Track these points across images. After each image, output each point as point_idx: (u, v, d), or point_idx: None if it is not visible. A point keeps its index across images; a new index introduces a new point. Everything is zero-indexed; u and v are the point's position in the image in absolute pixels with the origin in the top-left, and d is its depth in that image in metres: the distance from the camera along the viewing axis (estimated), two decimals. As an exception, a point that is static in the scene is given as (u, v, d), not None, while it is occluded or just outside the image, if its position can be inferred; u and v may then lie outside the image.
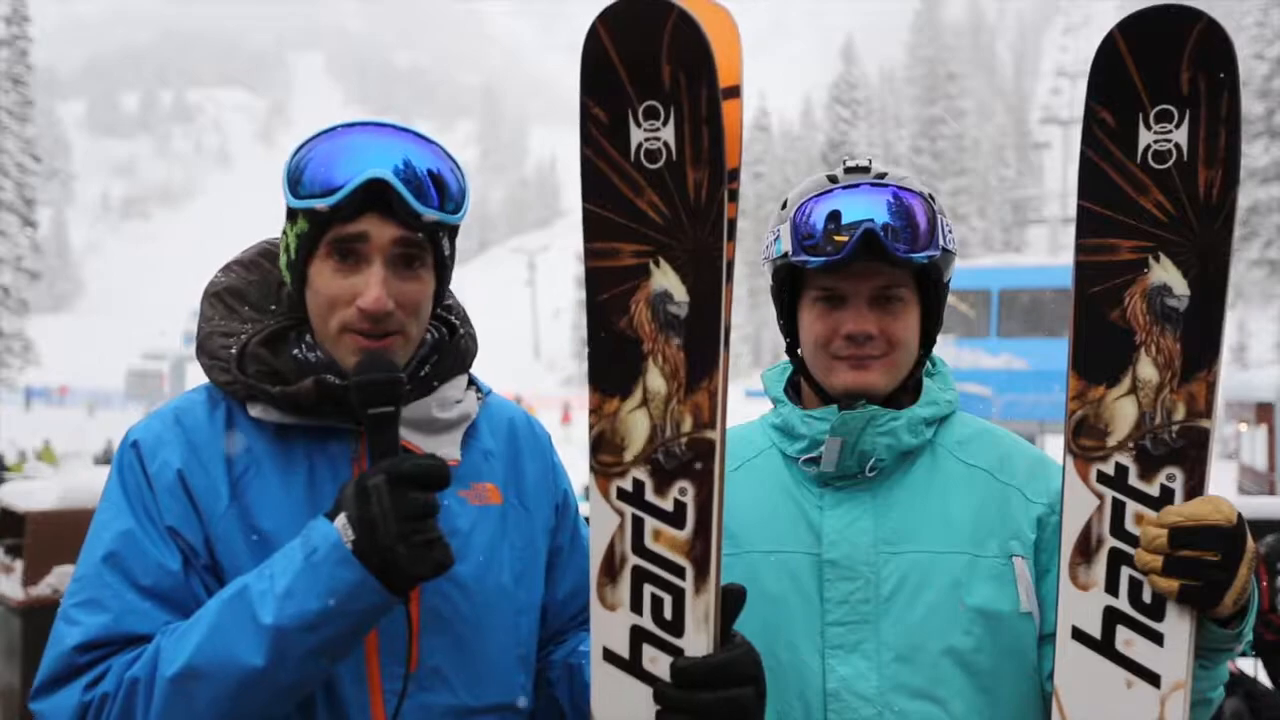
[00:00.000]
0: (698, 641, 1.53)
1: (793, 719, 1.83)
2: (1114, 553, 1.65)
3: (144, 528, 1.57)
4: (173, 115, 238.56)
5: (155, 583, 1.54)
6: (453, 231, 1.67)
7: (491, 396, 1.85)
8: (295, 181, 1.59)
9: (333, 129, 1.62)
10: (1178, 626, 1.62)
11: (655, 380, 1.54)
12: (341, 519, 1.46)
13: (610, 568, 1.57)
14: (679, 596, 1.54)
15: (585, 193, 1.54)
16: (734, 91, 1.54)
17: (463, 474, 1.70)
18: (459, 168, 1.66)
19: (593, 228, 1.54)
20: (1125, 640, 1.64)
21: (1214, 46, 1.56)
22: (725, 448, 1.56)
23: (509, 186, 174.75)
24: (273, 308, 1.72)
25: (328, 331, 1.62)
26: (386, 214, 1.57)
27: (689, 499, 1.54)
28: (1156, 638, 1.63)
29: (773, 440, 1.98)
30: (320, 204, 1.56)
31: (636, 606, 1.56)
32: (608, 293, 1.55)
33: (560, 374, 79.61)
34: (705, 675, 1.49)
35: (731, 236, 1.52)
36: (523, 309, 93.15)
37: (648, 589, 1.55)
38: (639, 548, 1.56)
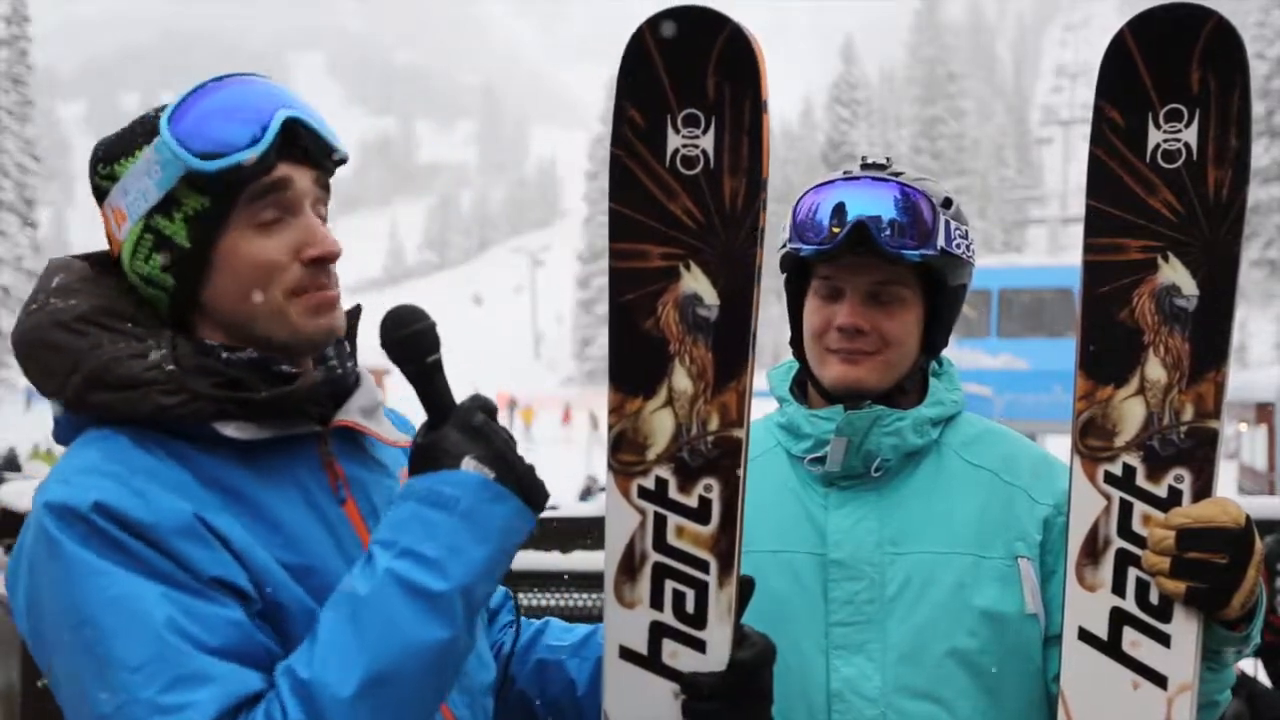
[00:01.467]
0: (720, 633, 1.57)
1: (796, 719, 1.82)
2: (1121, 554, 1.64)
3: (177, 589, 1.28)
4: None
5: (227, 642, 1.29)
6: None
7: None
8: (189, 149, 1.36)
9: (193, 91, 1.41)
10: (1185, 628, 1.61)
11: (682, 380, 1.57)
12: (469, 462, 1.35)
13: (629, 566, 1.59)
14: (702, 590, 1.57)
15: (613, 193, 1.56)
16: (766, 106, 1.58)
17: (398, 459, 1.56)
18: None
19: (620, 228, 1.56)
20: (1132, 641, 1.64)
21: (1224, 45, 1.56)
22: (750, 445, 1.58)
23: (509, 186, 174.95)
24: (151, 322, 1.44)
25: (270, 304, 1.40)
26: (300, 157, 1.41)
27: (714, 495, 1.57)
28: (1163, 639, 1.63)
29: (778, 439, 1.97)
30: (245, 156, 1.36)
31: (657, 603, 1.58)
32: (633, 294, 1.57)
33: (560, 374, 79.62)
34: (751, 664, 1.55)
35: (762, 243, 1.55)
36: (523, 309, 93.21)
37: (669, 585, 1.58)
38: (661, 545, 1.58)
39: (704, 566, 1.57)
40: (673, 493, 1.58)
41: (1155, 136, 1.60)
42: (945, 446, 1.92)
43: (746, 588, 1.60)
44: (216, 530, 1.33)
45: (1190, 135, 1.59)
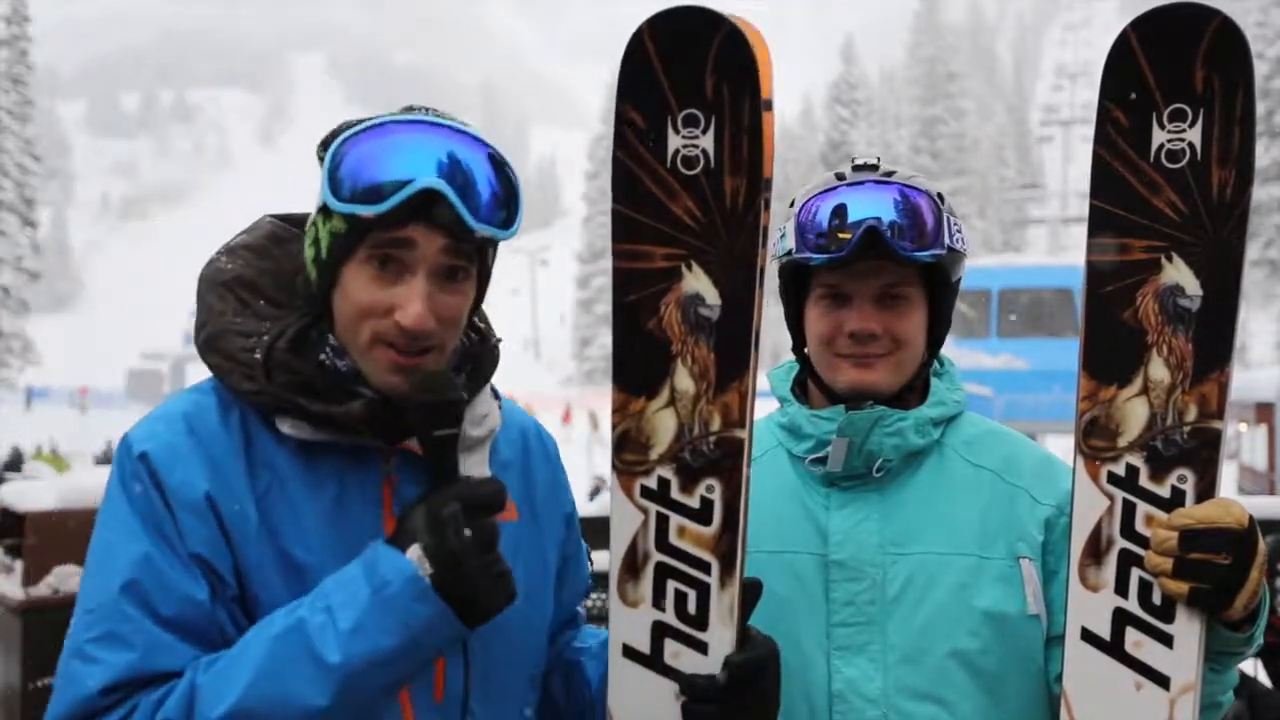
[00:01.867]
0: (722, 635, 1.56)
1: (798, 719, 1.81)
2: (1124, 554, 1.64)
3: (163, 553, 1.42)
4: (173, 115, 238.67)
5: (180, 614, 1.40)
6: (498, 242, 1.55)
7: (504, 405, 1.75)
8: (335, 179, 1.44)
9: (381, 124, 1.47)
10: (1188, 628, 1.61)
11: (684, 380, 1.57)
12: (415, 550, 1.36)
13: (632, 564, 1.59)
14: (704, 591, 1.57)
15: (616, 195, 1.56)
16: (768, 105, 1.58)
17: None
18: (512, 172, 1.51)
19: (622, 230, 1.56)
20: (1135, 642, 1.64)
21: (1228, 45, 1.56)
22: (752, 445, 1.58)
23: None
24: (290, 302, 1.57)
25: (357, 341, 1.48)
26: (434, 223, 1.43)
27: (716, 496, 1.57)
28: (1166, 639, 1.62)
29: (779, 440, 1.97)
30: (366, 210, 1.42)
31: (659, 602, 1.58)
32: (636, 294, 1.57)
33: (560, 374, 79.60)
34: (749, 666, 1.53)
35: (765, 243, 1.55)
36: (523, 309, 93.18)
37: (671, 585, 1.58)
38: (663, 544, 1.58)
39: (705, 567, 1.57)
40: (675, 493, 1.58)
41: (1159, 136, 1.60)
42: (947, 447, 1.91)
43: (752, 590, 1.59)
44: (221, 514, 1.44)
45: (1194, 135, 1.59)
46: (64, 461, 23.40)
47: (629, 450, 1.60)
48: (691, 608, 1.57)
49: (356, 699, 1.35)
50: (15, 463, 20.39)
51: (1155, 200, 1.61)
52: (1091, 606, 1.66)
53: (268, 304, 1.55)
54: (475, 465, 1.58)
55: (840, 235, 1.82)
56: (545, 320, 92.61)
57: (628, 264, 1.57)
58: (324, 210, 1.48)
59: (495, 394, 1.72)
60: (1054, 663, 1.80)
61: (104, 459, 27.69)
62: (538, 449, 1.77)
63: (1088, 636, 1.66)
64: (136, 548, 1.41)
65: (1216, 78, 1.56)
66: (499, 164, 1.49)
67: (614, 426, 1.61)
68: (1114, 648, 1.65)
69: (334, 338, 1.51)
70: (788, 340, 2.00)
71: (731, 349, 1.55)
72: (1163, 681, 1.62)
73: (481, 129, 1.51)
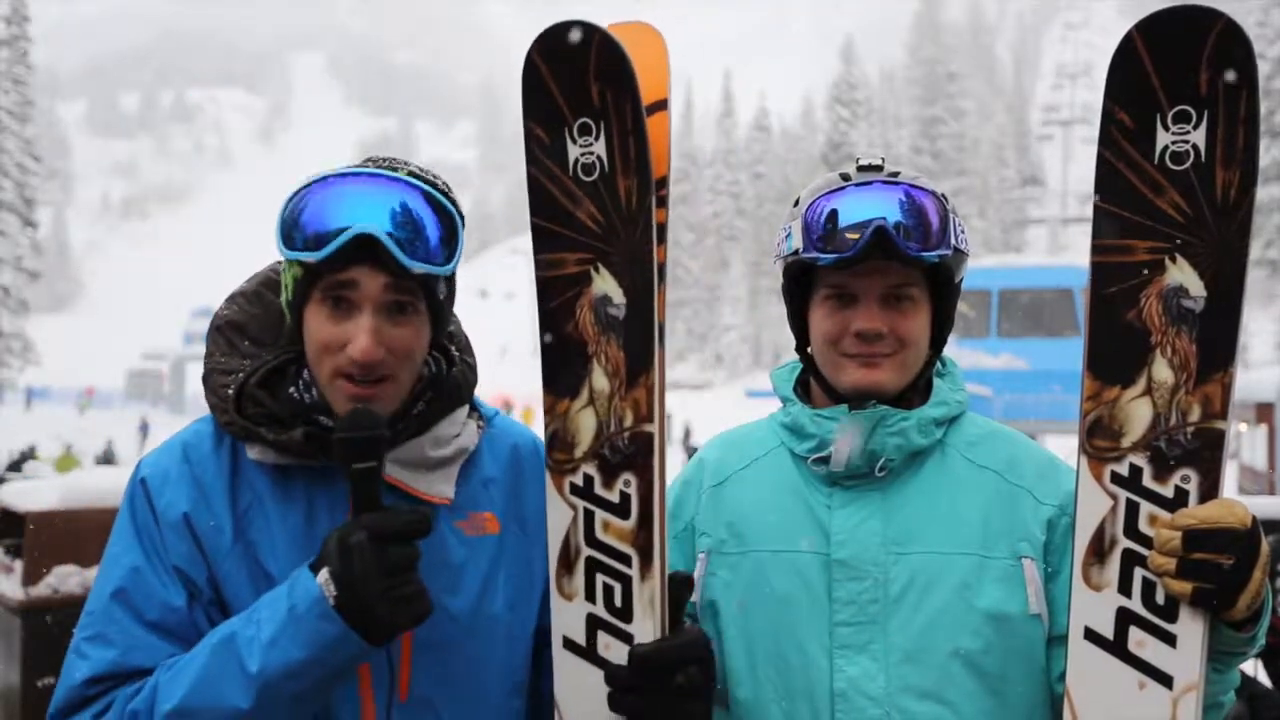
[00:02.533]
0: (645, 626, 1.63)
1: (800, 718, 1.82)
2: (1127, 554, 1.64)
3: (151, 564, 1.62)
4: (173, 115, 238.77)
5: (161, 618, 1.60)
6: (449, 277, 1.67)
7: (496, 421, 1.86)
8: (288, 231, 1.59)
9: (324, 177, 1.62)
10: (1191, 628, 1.61)
11: (600, 380, 1.66)
12: (324, 574, 1.49)
13: (567, 559, 1.68)
14: (627, 584, 1.64)
15: (533, 208, 1.66)
16: (660, 105, 1.69)
17: (460, 504, 1.73)
18: (452, 210, 1.64)
19: (541, 241, 1.66)
20: (1138, 641, 1.64)
21: (1233, 47, 1.56)
22: (665, 440, 1.66)
23: (509, 186, 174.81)
24: (275, 341, 1.75)
25: (321, 375, 1.63)
26: (376, 264, 1.57)
27: (633, 490, 1.65)
28: (1169, 639, 1.62)
29: (781, 439, 1.97)
30: (309, 257, 1.57)
31: (590, 595, 1.67)
32: (555, 300, 1.66)
33: (560, 374, 79.35)
34: (653, 657, 1.59)
35: (662, 240, 1.64)
36: (522, 309, 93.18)
37: (600, 578, 1.66)
38: (590, 539, 1.67)
39: (627, 560, 1.64)
40: (598, 488, 1.67)
41: (1163, 138, 1.60)
42: (949, 447, 1.92)
43: (679, 584, 1.66)
44: (198, 532, 1.63)
45: (1199, 137, 1.59)
46: (74, 459, 23.43)
47: (558, 449, 1.69)
48: (618, 600, 1.65)
49: (274, 704, 1.50)
50: (17, 464, 20.42)
51: (1159, 202, 1.61)
52: (1095, 606, 1.66)
53: (252, 344, 1.75)
54: (440, 482, 1.71)
55: (848, 235, 1.82)
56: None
57: (547, 273, 1.66)
58: (287, 260, 1.65)
59: (480, 411, 1.83)
60: (1056, 662, 1.80)
61: (104, 459, 27.68)
62: (531, 464, 1.84)
63: (1091, 636, 1.66)
64: (129, 559, 1.63)
65: (1220, 80, 1.56)
66: (437, 205, 1.62)
67: (545, 427, 1.70)
68: (1117, 647, 1.65)
69: (308, 372, 1.68)
70: (790, 339, 2.01)
71: (637, 345, 1.63)
72: (1166, 681, 1.62)
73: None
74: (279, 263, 1.78)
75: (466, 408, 1.80)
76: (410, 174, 1.64)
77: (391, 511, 1.53)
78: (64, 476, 6.79)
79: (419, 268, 1.58)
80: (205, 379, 1.73)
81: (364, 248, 1.56)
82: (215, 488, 1.66)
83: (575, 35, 1.58)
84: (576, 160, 1.62)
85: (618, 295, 1.62)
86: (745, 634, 1.87)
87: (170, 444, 1.73)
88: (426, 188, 1.62)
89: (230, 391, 1.68)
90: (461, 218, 1.64)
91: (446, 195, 1.65)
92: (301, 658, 1.48)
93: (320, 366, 1.63)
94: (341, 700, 1.62)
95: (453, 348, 1.81)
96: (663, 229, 1.63)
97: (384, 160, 1.68)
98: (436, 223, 1.61)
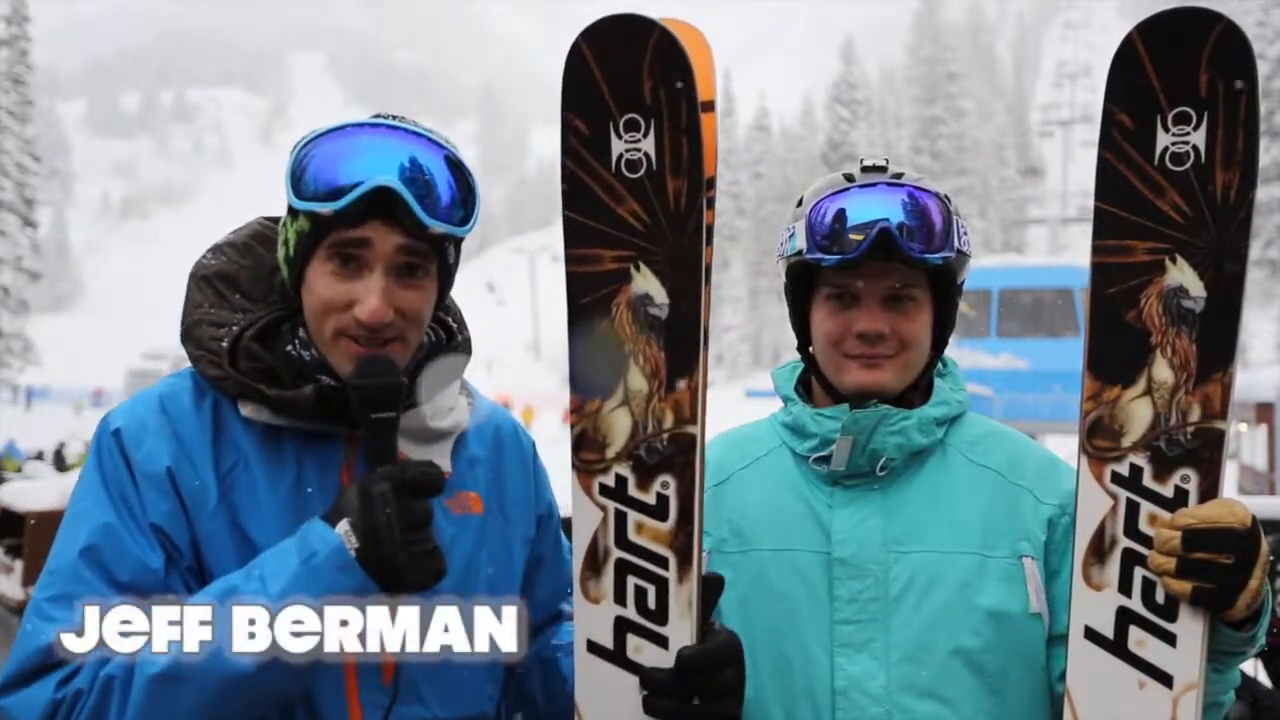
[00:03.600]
0: (681, 629, 1.60)
1: (801, 717, 1.83)
2: (1127, 553, 1.65)
3: (124, 522, 1.51)
4: (173, 115, 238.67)
5: (134, 579, 1.49)
6: (459, 240, 1.63)
7: (479, 402, 1.81)
8: (298, 180, 1.53)
9: (340, 127, 1.56)
10: (1191, 627, 1.62)
11: (636, 379, 1.61)
12: (344, 525, 1.44)
13: (594, 562, 1.64)
14: (663, 586, 1.61)
15: (566, 201, 1.60)
16: (709, 106, 1.64)
17: (449, 482, 1.67)
18: (469, 172, 1.59)
19: (574, 235, 1.61)
20: (1138, 641, 1.64)
21: (1233, 49, 1.56)
22: (705, 442, 1.63)
23: (509, 186, 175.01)
24: (266, 296, 1.67)
25: (323, 334, 1.57)
26: (391, 221, 1.52)
27: (671, 492, 1.61)
28: (1169, 638, 1.63)
29: (783, 439, 1.98)
30: (324, 208, 1.51)
31: (620, 598, 1.62)
32: (588, 297, 1.61)
33: (560, 374, 79.61)
34: (701, 660, 1.56)
35: (710, 241, 1.60)
36: (523, 309, 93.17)
37: (631, 580, 1.62)
38: (622, 541, 1.63)
39: (663, 563, 1.61)
40: (632, 489, 1.62)
41: (1164, 139, 1.60)
42: (950, 446, 1.92)
43: (713, 585, 1.63)
44: (180, 488, 1.53)
45: (1199, 138, 1.59)
46: (15, 462, 22.93)
47: (587, 449, 1.64)
48: (651, 602, 1.62)
49: (281, 666, 1.43)
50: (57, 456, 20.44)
51: (1159, 202, 1.61)
52: (1095, 605, 1.66)
53: (243, 298, 1.65)
54: (437, 455, 1.66)
55: (852, 237, 1.83)
56: (546, 320, 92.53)
57: (580, 268, 1.62)
58: (291, 210, 1.57)
59: (470, 393, 1.78)
60: (1056, 661, 1.80)
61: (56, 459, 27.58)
62: (513, 448, 1.82)
63: (1091, 635, 1.66)
64: (100, 516, 1.51)
65: (1220, 81, 1.57)
66: (455, 165, 1.57)
67: (572, 427, 1.65)
68: (1117, 646, 1.65)
69: (304, 330, 1.61)
70: (790, 339, 2.01)
71: (681, 346, 1.60)
72: (1166, 680, 1.63)
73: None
74: (267, 218, 1.74)
75: (459, 384, 1.76)
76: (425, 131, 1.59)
77: (410, 464, 1.49)
78: (64, 477, 6.79)
79: (438, 226, 1.53)
80: (189, 330, 1.62)
81: (380, 204, 1.50)
82: (198, 444, 1.56)
83: (632, 30, 1.54)
84: (621, 156, 1.57)
85: (660, 295, 1.59)
86: (746, 633, 1.87)
87: (144, 396, 1.62)
88: (448, 147, 1.58)
89: (224, 345, 1.59)
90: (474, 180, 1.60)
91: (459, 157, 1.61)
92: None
93: (322, 325, 1.56)
94: (326, 680, 1.55)
95: (449, 319, 1.77)
96: (710, 230, 1.61)
97: (395, 117, 1.60)
98: (453, 181, 1.57)
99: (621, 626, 1.63)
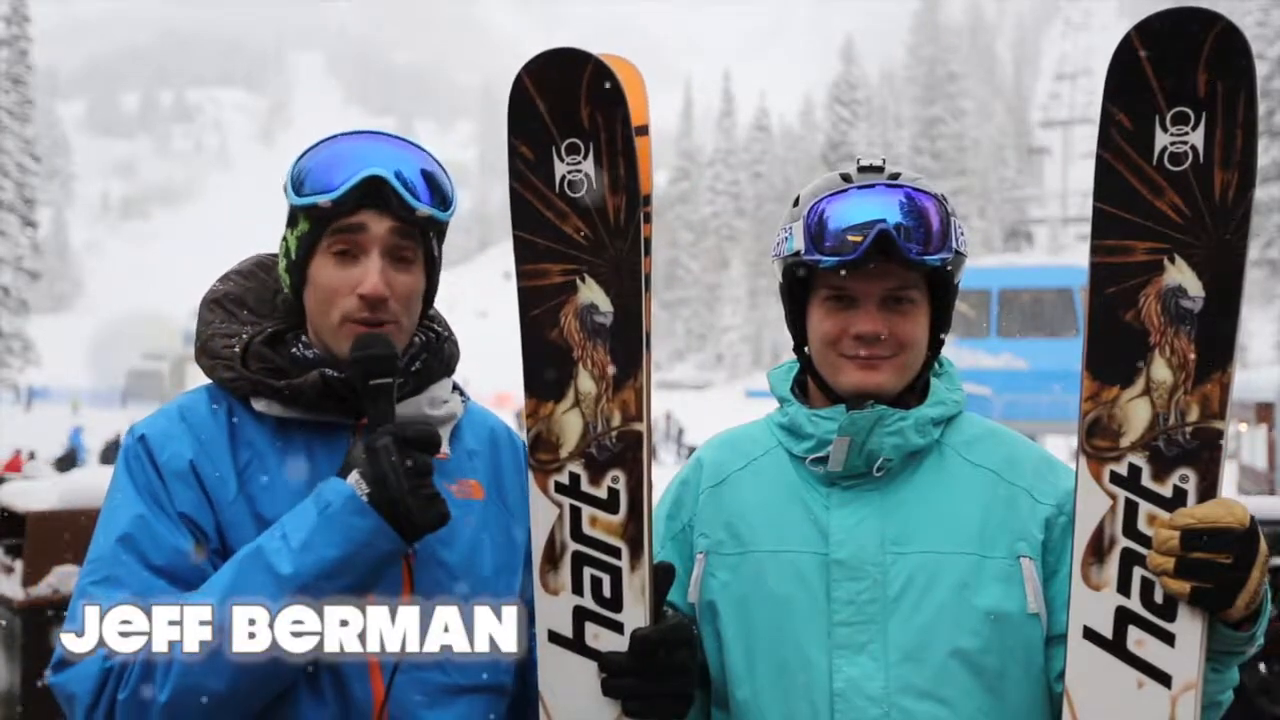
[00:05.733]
0: (635, 614, 1.72)
1: (799, 719, 1.82)
2: (1126, 553, 1.65)
3: (155, 513, 1.65)
4: (173, 115, 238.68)
5: (168, 562, 1.63)
6: (441, 233, 1.80)
7: (471, 404, 1.95)
8: (298, 184, 1.72)
9: (332, 137, 1.75)
10: (1189, 627, 1.62)
11: (586, 383, 1.74)
12: (354, 475, 1.58)
13: (552, 555, 1.76)
14: (616, 575, 1.73)
15: (515, 222, 1.74)
16: (643, 130, 1.79)
17: (449, 469, 1.79)
18: (447, 174, 1.79)
19: (523, 252, 1.74)
20: (1137, 640, 1.64)
21: (1231, 49, 1.56)
22: (651, 437, 1.75)
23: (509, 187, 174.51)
24: (271, 313, 1.83)
25: (329, 323, 1.72)
26: (383, 208, 1.69)
27: (621, 485, 1.73)
28: (1168, 638, 1.63)
29: (779, 440, 1.97)
30: (321, 199, 1.69)
31: (578, 588, 1.74)
32: (539, 309, 1.75)
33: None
34: (654, 640, 1.68)
35: (648, 252, 1.74)
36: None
37: (587, 571, 1.74)
38: (577, 534, 1.75)
39: (616, 553, 1.73)
40: (585, 485, 1.75)
41: (1162, 139, 1.61)
42: (947, 447, 1.92)
43: (663, 573, 1.75)
44: (203, 480, 1.68)
45: (1197, 138, 1.60)
46: None
47: (542, 450, 1.77)
48: (606, 591, 1.73)
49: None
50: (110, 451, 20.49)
51: (1158, 202, 1.62)
52: (1094, 605, 1.66)
53: (250, 314, 1.83)
54: None
55: (850, 238, 1.82)
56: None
57: (530, 282, 1.75)
58: (291, 221, 1.76)
59: (462, 393, 1.92)
60: (1055, 661, 1.80)
61: (106, 458, 27.63)
62: (507, 447, 1.93)
63: (1090, 635, 1.67)
64: (133, 509, 1.66)
65: (1218, 81, 1.57)
66: (433, 163, 1.77)
67: (528, 430, 1.77)
68: (1116, 646, 1.65)
69: (306, 337, 1.77)
70: (789, 339, 2.01)
71: (625, 350, 1.73)
72: (1164, 680, 1.63)
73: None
74: (267, 254, 1.91)
75: (451, 381, 1.89)
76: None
77: (409, 423, 1.64)
78: (64, 476, 6.79)
79: (423, 209, 1.71)
80: (204, 345, 1.79)
81: (372, 193, 1.68)
82: (216, 443, 1.71)
83: (569, 62, 1.69)
84: (563, 177, 1.71)
85: (605, 303, 1.72)
86: (744, 634, 1.87)
87: (166, 409, 1.79)
88: (422, 147, 1.78)
89: (235, 349, 1.75)
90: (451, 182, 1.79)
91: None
92: (335, 556, 1.55)
93: (328, 315, 1.72)
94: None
95: (436, 325, 1.90)
96: (648, 242, 1.74)
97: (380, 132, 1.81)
98: (435, 172, 1.76)
99: (580, 616, 1.74)
